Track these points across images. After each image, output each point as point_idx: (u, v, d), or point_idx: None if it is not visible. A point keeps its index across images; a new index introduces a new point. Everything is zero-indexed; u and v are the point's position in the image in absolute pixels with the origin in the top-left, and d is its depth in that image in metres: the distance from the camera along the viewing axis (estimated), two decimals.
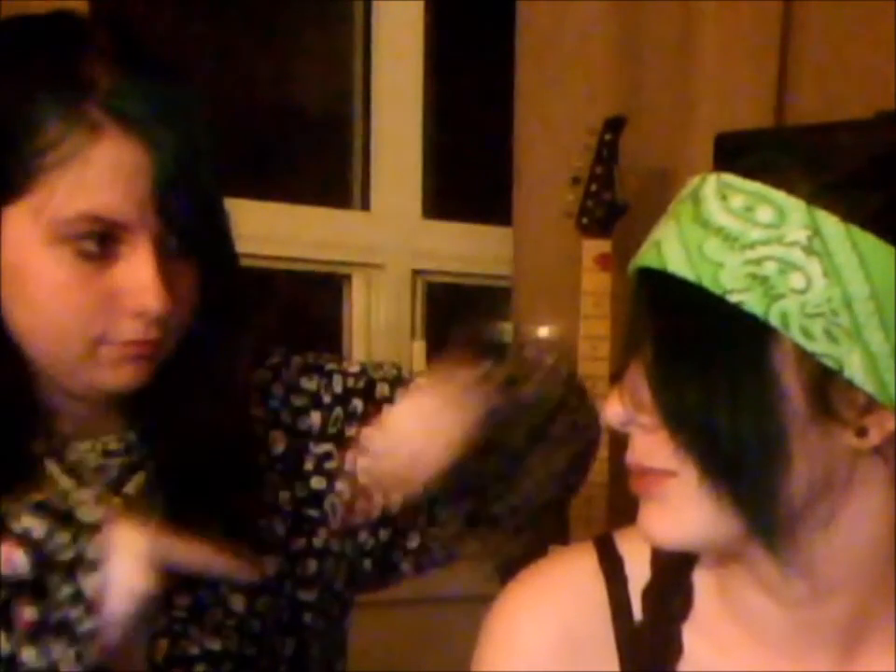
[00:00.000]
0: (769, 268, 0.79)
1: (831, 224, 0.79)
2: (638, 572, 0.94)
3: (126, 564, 0.85)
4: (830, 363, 0.79)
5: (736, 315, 0.80)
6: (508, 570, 0.99)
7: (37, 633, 0.87)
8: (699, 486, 0.83)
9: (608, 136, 2.00)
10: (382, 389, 1.12)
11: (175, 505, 1.01)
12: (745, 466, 0.81)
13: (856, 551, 0.86)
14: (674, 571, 0.93)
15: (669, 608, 0.92)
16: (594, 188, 1.99)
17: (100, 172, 0.91)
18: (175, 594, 1.02)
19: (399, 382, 1.13)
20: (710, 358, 0.82)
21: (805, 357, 0.80)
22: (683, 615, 0.92)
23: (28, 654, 0.87)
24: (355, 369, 1.13)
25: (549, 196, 2.09)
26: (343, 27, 2.28)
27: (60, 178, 0.91)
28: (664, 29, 2.19)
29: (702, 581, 0.93)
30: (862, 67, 2.18)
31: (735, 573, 0.90)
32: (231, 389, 1.04)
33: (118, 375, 0.96)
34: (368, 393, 1.11)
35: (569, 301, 1.99)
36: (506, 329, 2.34)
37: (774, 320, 0.79)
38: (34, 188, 0.92)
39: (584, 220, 1.99)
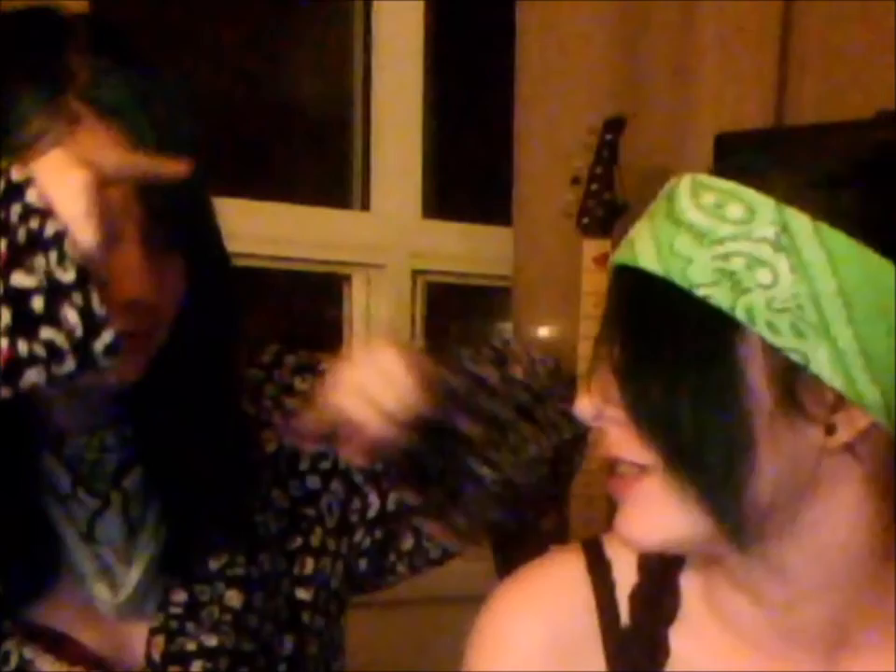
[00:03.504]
0: (737, 263, 0.80)
1: (799, 221, 0.79)
2: (626, 575, 0.94)
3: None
4: (796, 358, 0.79)
5: (703, 309, 0.80)
6: (508, 571, 0.99)
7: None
8: (667, 482, 0.83)
9: (608, 136, 1.99)
10: None
11: (171, 499, 1.02)
12: (708, 460, 0.81)
13: (829, 552, 0.85)
14: (661, 574, 0.93)
15: (656, 611, 0.92)
16: (594, 188, 1.99)
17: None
18: (172, 590, 1.02)
19: None
20: (675, 352, 0.82)
21: (771, 351, 0.80)
22: (670, 618, 0.92)
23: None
24: None
25: (549, 196, 2.08)
26: (342, 27, 2.28)
27: None
28: (664, 29, 2.19)
29: (689, 583, 0.93)
30: (863, 67, 2.18)
31: (719, 575, 0.90)
32: (223, 383, 1.04)
33: (111, 370, 0.96)
34: None
35: (569, 300, 1.99)
36: (506, 329, 2.34)
37: (740, 314, 0.79)
38: None
39: (584, 220, 1.99)
